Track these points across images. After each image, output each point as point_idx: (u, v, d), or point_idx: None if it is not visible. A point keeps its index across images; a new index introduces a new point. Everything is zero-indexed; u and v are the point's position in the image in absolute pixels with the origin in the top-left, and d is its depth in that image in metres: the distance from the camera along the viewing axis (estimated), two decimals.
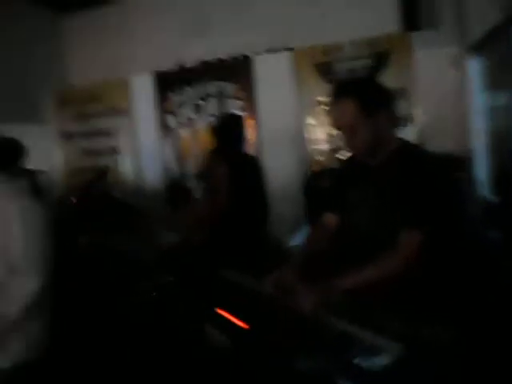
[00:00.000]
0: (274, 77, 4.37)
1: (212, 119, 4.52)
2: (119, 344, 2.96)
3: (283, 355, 1.52)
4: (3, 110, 4.53)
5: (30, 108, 4.98)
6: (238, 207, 2.87)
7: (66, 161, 5.10)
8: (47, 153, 4.91)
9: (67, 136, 5.13)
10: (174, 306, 3.04)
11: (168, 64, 5.26)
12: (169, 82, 4.72)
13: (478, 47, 3.63)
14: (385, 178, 1.61)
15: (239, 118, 3.17)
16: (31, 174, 3.30)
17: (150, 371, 2.40)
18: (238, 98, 4.46)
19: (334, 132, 4.13)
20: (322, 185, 3.35)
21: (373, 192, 1.65)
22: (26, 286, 1.75)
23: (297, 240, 3.16)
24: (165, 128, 4.72)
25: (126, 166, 4.89)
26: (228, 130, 3.07)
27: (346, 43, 4.18)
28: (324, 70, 4.19)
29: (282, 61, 4.41)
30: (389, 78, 3.78)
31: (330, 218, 1.85)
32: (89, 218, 3.94)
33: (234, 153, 3.03)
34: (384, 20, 4.38)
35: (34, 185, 3.26)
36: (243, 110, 4.43)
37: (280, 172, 4.06)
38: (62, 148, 5.14)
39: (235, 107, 4.46)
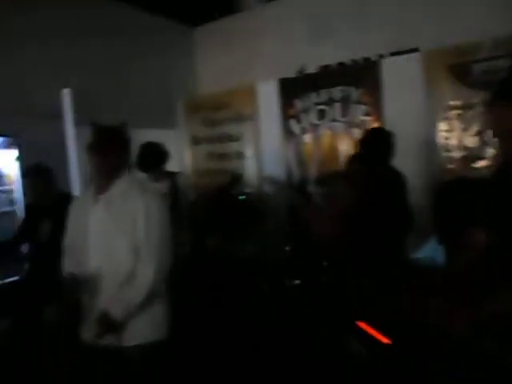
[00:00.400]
0: (401, 80, 4.20)
1: (336, 125, 4.52)
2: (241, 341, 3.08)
3: (425, 374, 1.47)
4: (143, 117, 4.98)
5: (165, 114, 5.41)
6: (374, 218, 2.82)
7: (195, 163, 5.43)
8: (179, 155, 5.28)
9: (196, 140, 5.47)
10: (298, 310, 3.10)
11: (293, 71, 5.37)
12: (293, 88, 4.79)
13: None
14: None
15: (389, 134, 3.11)
16: (172, 176, 3.58)
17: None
18: (364, 103, 4.37)
19: (469, 139, 3.87)
20: (456, 196, 3.16)
21: None
22: (148, 274, 1.93)
23: (425, 252, 3.02)
24: (288, 133, 4.79)
25: (250, 170, 5.06)
26: (375, 143, 3.04)
27: (484, 42, 3.88)
28: (458, 71, 3.92)
29: (411, 63, 4.24)
30: None
31: (479, 236, 1.71)
32: (218, 219, 4.16)
33: (377, 164, 2.99)
34: None
35: (174, 185, 3.53)
36: (369, 115, 4.34)
37: (409, 181, 3.90)
38: (191, 151, 5.49)
39: (360, 112, 4.38)
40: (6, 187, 4.56)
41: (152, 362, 2.02)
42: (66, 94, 4.53)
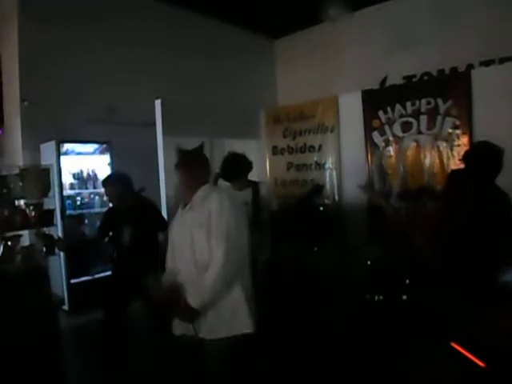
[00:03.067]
0: (493, 91, 4.02)
1: (421, 138, 4.41)
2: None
3: None
4: (226, 127, 5.17)
5: (248, 125, 5.57)
6: (474, 238, 2.74)
7: (275, 173, 5.52)
8: (260, 165, 5.41)
9: (277, 151, 5.57)
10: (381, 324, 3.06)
11: (374, 81, 5.32)
12: (377, 100, 4.73)
13: None
14: None
15: (498, 149, 3.00)
16: (255, 185, 3.68)
17: None
18: (452, 116, 4.22)
19: None
20: None
21: None
22: (217, 256, 2.11)
23: None
24: (370, 145, 4.75)
25: (330, 181, 5.07)
26: (480, 159, 2.94)
27: None
28: None
29: (503, 73, 4.06)
30: None
31: None
32: (298, 230, 4.21)
33: (482, 181, 2.89)
34: None
35: (257, 194, 3.62)
36: (457, 128, 4.19)
37: None
38: (272, 161, 5.59)
39: (448, 125, 4.24)
40: (100, 190, 4.94)
41: (237, 355, 2.15)
42: (158, 105, 4.82)
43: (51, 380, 2.94)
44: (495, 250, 2.94)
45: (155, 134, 4.70)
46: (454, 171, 3.13)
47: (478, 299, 2.12)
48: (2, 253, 3.78)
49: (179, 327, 2.23)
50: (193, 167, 2.38)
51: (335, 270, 3.98)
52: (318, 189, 4.75)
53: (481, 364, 1.62)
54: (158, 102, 4.76)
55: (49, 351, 3.01)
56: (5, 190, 4.05)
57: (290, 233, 4.35)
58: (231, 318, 2.14)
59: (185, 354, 2.29)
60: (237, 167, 3.64)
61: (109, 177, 3.62)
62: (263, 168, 5.56)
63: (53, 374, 2.97)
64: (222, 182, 3.80)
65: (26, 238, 4.21)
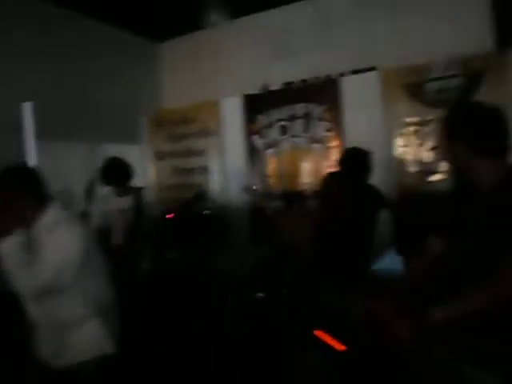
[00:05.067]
0: (360, 97, 4.36)
1: (297, 140, 4.62)
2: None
3: (379, 379, 1.52)
4: (107, 132, 4.96)
5: (130, 129, 5.40)
6: (345, 233, 2.92)
7: (159, 178, 5.42)
8: (143, 171, 5.26)
9: (160, 155, 5.46)
10: (262, 321, 3.12)
11: (256, 86, 5.45)
12: (256, 104, 4.88)
13: None
14: (497, 205, 1.55)
15: (367, 153, 3.22)
16: (136, 191, 3.57)
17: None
18: (325, 120, 4.50)
19: (424, 154, 4.04)
20: (414, 209, 3.29)
21: (479, 219, 1.60)
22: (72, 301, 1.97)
23: (384, 263, 3.13)
24: (252, 148, 4.87)
25: (215, 185, 5.09)
26: (352, 163, 3.14)
27: (437, 62, 4.08)
28: (414, 89, 4.11)
29: (369, 81, 4.40)
30: (483, 99, 3.63)
31: (437, 244, 1.80)
32: (181, 234, 4.16)
33: (355, 182, 3.09)
34: (476, 37, 4.25)
35: (138, 201, 3.52)
36: (329, 130, 4.46)
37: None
38: (155, 166, 5.48)
39: (322, 128, 4.50)
40: None
41: (101, 377, 2.03)
42: (27, 107, 4.47)
43: None
44: (367, 242, 3.18)
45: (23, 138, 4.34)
46: (329, 173, 3.32)
47: (349, 287, 2.24)
48: None
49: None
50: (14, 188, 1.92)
51: (220, 273, 4.00)
52: (201, 194, 4.75)
53: (341, 348, 1.70)
54: (26, 105, 4.41)
55: None
56: None
57: (175, 238, 4.29)
58: (89, 342, 2.02)
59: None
60: (117, 172, 3.50)
61: None
62: (147, 173, 5.43)
63: None
64: (101, 188, 3.64)
65: None
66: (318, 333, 1.80)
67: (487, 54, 4.01)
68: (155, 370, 2.95)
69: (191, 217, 4.50)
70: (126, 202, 3.55)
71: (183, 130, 5.30)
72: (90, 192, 3.45)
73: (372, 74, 4.46)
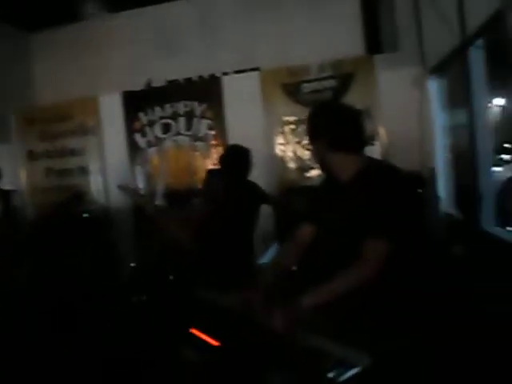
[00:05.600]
0: (242, 96, 4.43)
1: (180, 139, 4.57)
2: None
3: (255, 371, 1.53)
4: None
5: None
6: (228, 231, 2.92)
7: (32, 180, 4.99)
8: (13, 172, 4.81)
9: (33, 155, 5.04)
10: (147, 324, 3.03)
11: (137, 83, 5.28)
12: (138, 102, 4.73)
13: (438, 68, 3.80)
14: (353, 193, 1.68)
15: (247, 151, 3.23)
16: (6, 195, 3.26)
17: None
18: (207, 118, 4.50)
19: (302, 151, 4.22)
20: (292, 202, 3.42)
21: (343, 206, 1.71)
22: None
23: (267, 258, 3.21)
24: (134, 147, 4.70)
25: (94, 186, 4.84)
26: (233, 160, 3.13)
27: (312, 65, 4.30)
28: (291, 90, 4.28)
29: (250, 81, 4.49)
30: (353, 99, 3.90)
31: (306, 230, 1.89)
32: (56, 237, 3.90)
33: (236, 179, 3.09)
34: (348, 43, 4.56)
35: (8, 205, 3.22)
36: (212, 129, 4.47)
37: None
38: (27, 167, 5.04)
39: (204, 126, 4.50)
40: None
41: None
42: None
43: None
44: (249, 238, 3.23)
45: None
46: (210, 171, 3.32)
47: (233, 283, 2.23)
48: None
49: None
50: None
51: (100, 277, 3.81)
52: (78, 195, 4.45)
53: (215, 343, 1.69)
54: None
55: None
56: None
57: (51, 244, 4.00)
58: None
59: None
60: None
61: None
62: (17, 175, 4.97)
63: None
64: None
65: None
66: (194, 330, 1.77)
67: (357, 57, 4.32)
68: None
69: (69, 220, 4.21)
70: None
71: (58, 128, 4.94)
72: None
73: (253, 74, 4.57)
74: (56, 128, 4.95)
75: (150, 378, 2.60)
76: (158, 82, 5.65)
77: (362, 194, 1.63)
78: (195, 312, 2.06)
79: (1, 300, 3.04)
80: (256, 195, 3.34)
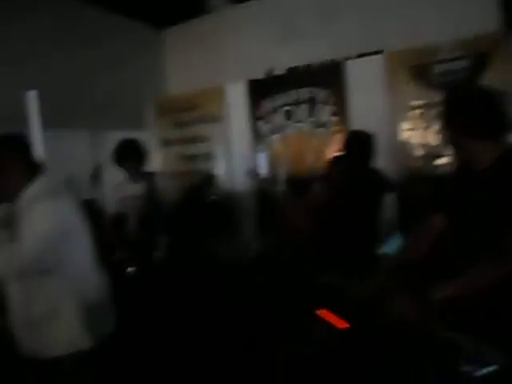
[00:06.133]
0: (365, 81, 4.32)
1: (302, 125, 4.60)
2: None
3: (386, 364, 1.54)
4: (112, 118, 4.96)
5: (135, 116, 5.40)
6: (350, 218, 2.93)
7: (165, 165, 5.42)
8: (149, 157, 5.26)
9: (166, 142, 5.47)
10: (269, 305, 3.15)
11: (261, 71, 5.42)
12: (261, 90, 4.85)
13: None
14: (491, 183, 1.60)
15: (370, 136, 3.20)
16: (149, 176, 3.52)
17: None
18: (330, 104, 4.47)
19: (430, 137, 4.01)
20: (420, 191, 3.30)
21: (480, 196, 1.64)
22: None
23: (389, 247, 3.13)
24: (257, 134, 4.85)
25: (220, 171, 5.10)
26: (356, 146, 3.13)
27: (443, 44, 4.02)
28: (419, 72, 4.06)
29: (374, 64, 4.35)
30: (490, 80, 3.59)
31: (437, 221, 1.84)
32: (190, 219, 4.16)
33: (357, 165, 3.09)
34: (483, 18, 4.18)
35: (151, 186, 3.45)
36: (334, 115, 4.44)
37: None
38: (161, 153, 5.48)
39: (326, 112, 4.48)
40: None
41: (75, 375, 1.91)
42: (32, 96, 4.46)
43: None
44: (372, 226, 3.19)
45: (27, 127, 4.35)
46: (333, 157, 3.32)
47: (355, 271, 2.26)
48: None
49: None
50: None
51: (229, 260, 4.02)
52: (209, 179, 4.74)
53: (343, 326, 1.72)
54: (31, 94, 4.41)
55: None
56: None
57: (184, 225, 4.30)
58: (62, 335, 1.89)
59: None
60: (131, 152, 3.45)
61: None
62: (153, 160, 5.43)
63: None
64: (111, 174, 3.58)
65: None
66: (321, 312, 1.82)
67: (494, 34, 3.95)
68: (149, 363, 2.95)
69: (199, 203, 4.50)
70: (138, 188, 3.50)
71: (188, 116, 5.29)
72: (95, 177, 3.42)
73: (377, 57, 4.41)
74: (186, 116, 5.31)
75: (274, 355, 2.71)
76: (281, 69, 5.74)
77: (502, 183, 1.54)
78: (319, 296, 2.10)
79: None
80: (380, 182, 3.27)
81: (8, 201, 1.87)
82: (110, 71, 5.72)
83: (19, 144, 1.93)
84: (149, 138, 5.48)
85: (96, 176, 3.34)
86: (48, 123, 4.39)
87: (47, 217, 1.76)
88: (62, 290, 1.86)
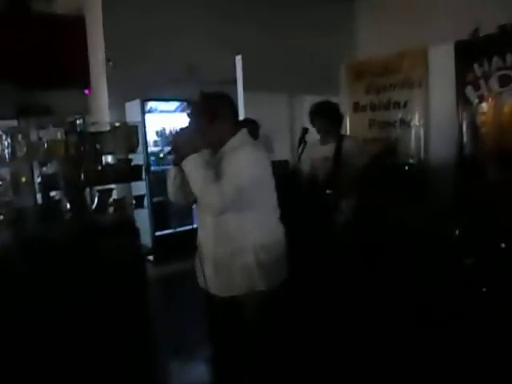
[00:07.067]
0: None
1: None
2: None
3: None
4: (307, 83, 5.04)
5: (327, 81, 5.41)
6: None
7: (355, 131, 5.31)
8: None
9: (357, 107, 5.37)
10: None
11: (465, 32, 4.90)
12: (472, 52, 4.38)
13: None
14: None
15: None
16: (341, 139, 3.49)
17: None
18: None
19: None
20: None
21: None
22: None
23: None
24: (463, 101, 4.44)
25: (416, 140, 4.84)
26: None
27: None
28: None
29: None
30: None
31: None
32: (378, 185, 4.05)
33: None
34: None
35: (340, 149, 3.44)
36: None
37: None
38: (352, 119, 5.40)
39: None
40: None
41: (261, 312, 2.05)
42: (239, 61, 4.78)
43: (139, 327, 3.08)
44: None
45: (234, 91, 4.67)
46: None
47: None
48: (97, 204, 4.03)
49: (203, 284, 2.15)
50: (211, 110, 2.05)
51: (421, 232, 3.83)
52: (391, 147, 4.53)
53: None
54: (238, 58, 4.72)
55: (138, 299, 3.18)
56: (97, 146, 4.24)
57: (372, 192, 4.21)
58: (242, 277, 2.03)
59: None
60: (325, 115, 3.48)
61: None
62: (344, 126, 5.40)
63: (141, 321, 3.14)
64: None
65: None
66: None
67: None
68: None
69: (381, 171, 4.33)
70: (326, 150, 3.51)
71: (384, 81, 5.08)
72: (301, 140, 3.49)
73: None
74: (382, 81, 5.11)
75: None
76: (488, 29, 5.12)
77: None
78: None
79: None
80: None
81: (212, 147, 2.10)
82: (306, 36, 5.79)
83: (232, 100, 2.20)
84: (341, 103, 5.46)
85: (302, 137, 3.41)
86: (253, 86, 4.68)
87: (248, 162, 1.98)
88: (246, 231, 2.04)
